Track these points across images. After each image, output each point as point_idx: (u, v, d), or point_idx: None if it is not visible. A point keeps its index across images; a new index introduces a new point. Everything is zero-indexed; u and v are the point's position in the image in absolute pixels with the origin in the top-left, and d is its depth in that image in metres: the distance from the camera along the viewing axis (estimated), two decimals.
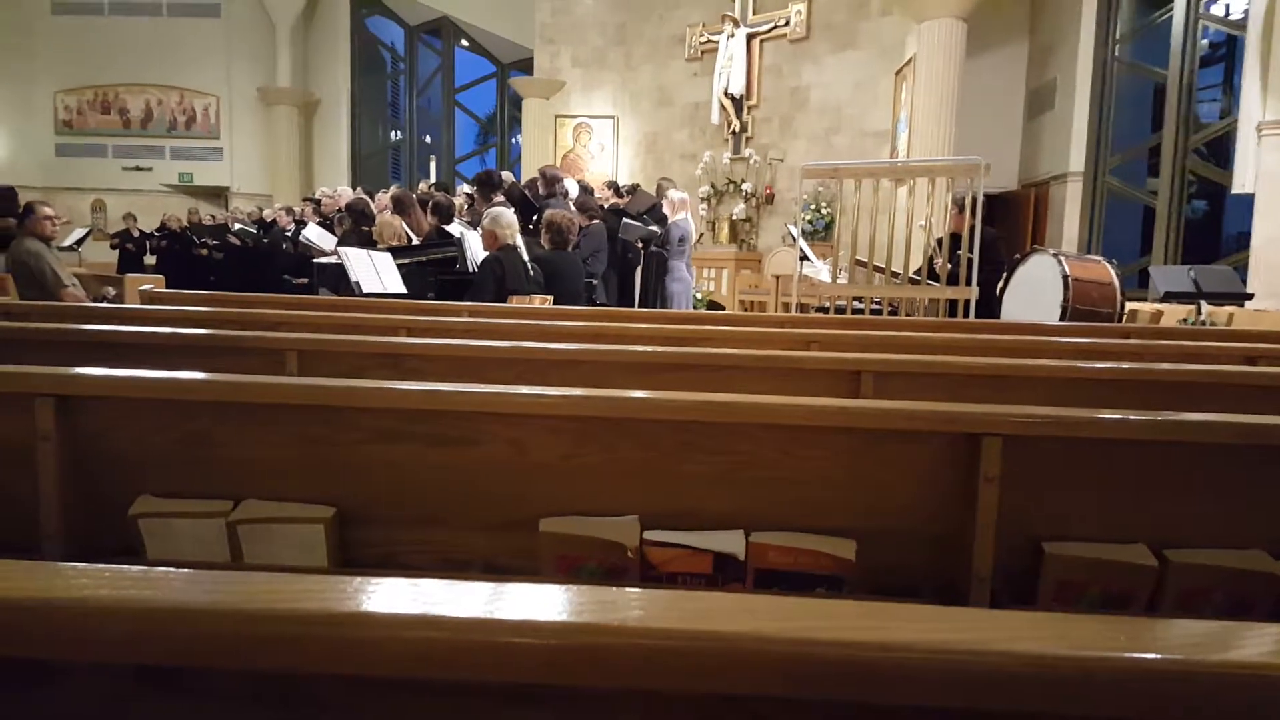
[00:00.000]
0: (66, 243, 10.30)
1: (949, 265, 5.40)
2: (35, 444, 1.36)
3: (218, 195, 15.04)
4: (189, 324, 2.68)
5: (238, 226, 10.59)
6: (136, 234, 12.17)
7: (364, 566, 1.38)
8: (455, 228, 6.45)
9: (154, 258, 11.80)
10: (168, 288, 4.46)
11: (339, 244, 6.27)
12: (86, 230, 11.48)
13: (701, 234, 10.83)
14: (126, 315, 2.99)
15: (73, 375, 1.37)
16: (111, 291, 5.93)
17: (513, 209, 5.56)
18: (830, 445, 1.33)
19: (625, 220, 6.87)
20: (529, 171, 11.26)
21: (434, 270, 5.47)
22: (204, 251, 11.10)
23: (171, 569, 0.68)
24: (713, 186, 11.28)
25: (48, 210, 4.99)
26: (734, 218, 11.08)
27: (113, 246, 12.09)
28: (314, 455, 1.38)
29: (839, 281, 5.90)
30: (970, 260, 5.23)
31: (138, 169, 14.82)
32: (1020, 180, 10.04)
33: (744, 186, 11.00)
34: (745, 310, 9.36)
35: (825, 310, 6.03)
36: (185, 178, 14.93)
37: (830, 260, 6.40)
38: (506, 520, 1.37)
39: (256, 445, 1.38)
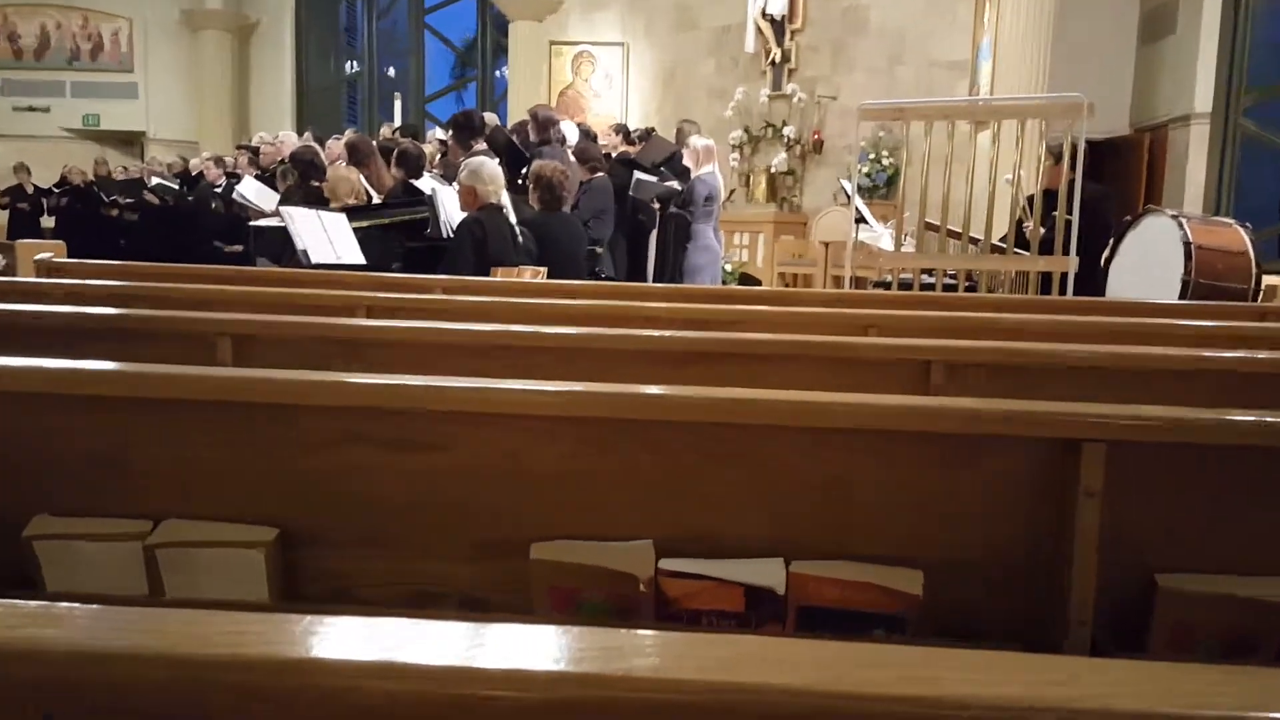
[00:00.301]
0: None
1: (1041, 230, 5.38)
2: None
3: (130, 142, 15.12)
4: (96, 301, 2.71)
5: (156, 181, 10.66)
6: (30, 190, 12.27)
7: (314, 601, 1.39)
8: (426, 183, 6.47)
9: (52, 219, 11.89)
10: (69, 256, 4.49)
11: (281, 203, 6.30)
12: None
13: (733, 191, 10.81)
14: (18, 290, 3.01)
15: None
16: (0, 261, 5.98)
17: (497, 159, 5.57)
18: (892, 454, 1.33)
19: (637, 174, 6.87)
20: (517, 113, 11.25)
21: (399, 235, 5.49)
22: (114, 212, 11.18)
23: (76, 604, 0.69)
24: (746, 131, 11.25)
25: None
26: (773, 170, 11.05)
27: (1, 206, 12.19)
28: (252, 464, 1.39)
29: (904, 250, 5.89)
30: (1068, 223, 5.20)
31: (31, 110, 14.91)
32: (1132, 123, 9.96)
33: (785, 131, 10.96)
34: (786, 286, 9.36)
35: (886, 286, 6.01)
36: (90, 120, 15.01)
37: (893, 223, 6.38)
38: (489, 544, 1.38)
39: (181, 452, 1.39)
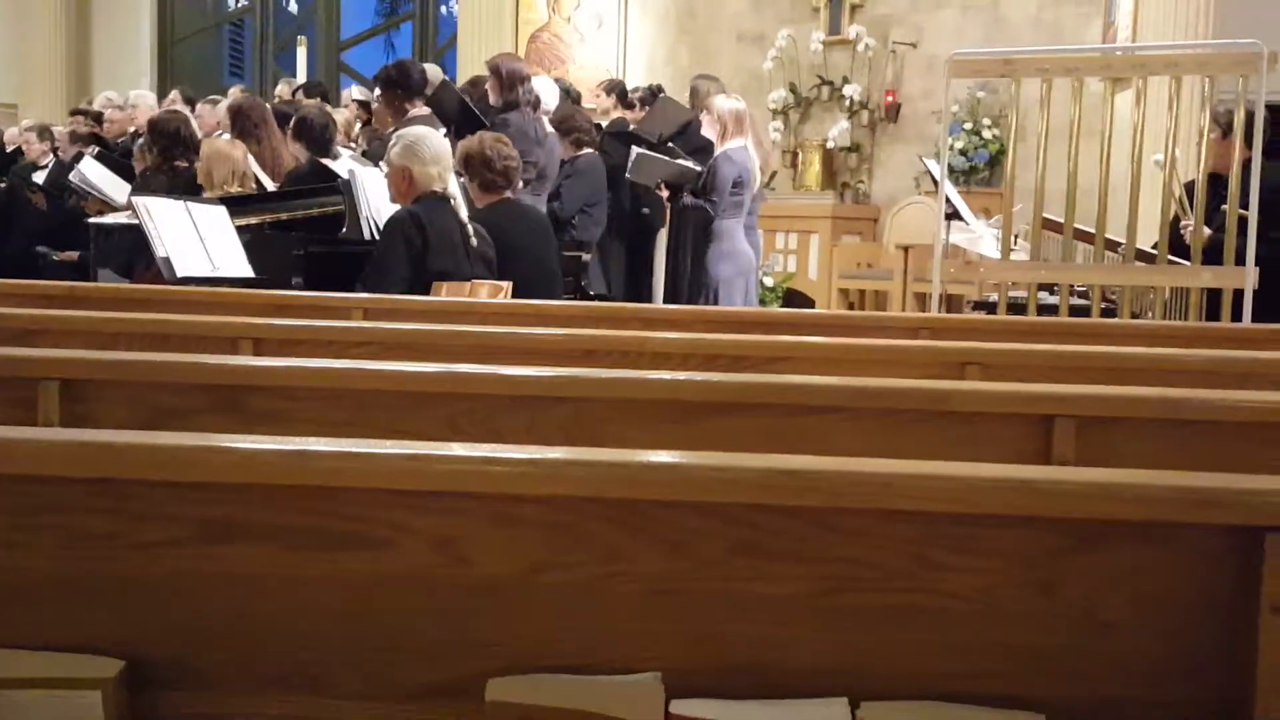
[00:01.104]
0: None
1: (1206, 230, 5.41)
2: None
3: None
4: None
5: None
6: None
7: None
8: (340, 163, 6.52)
9: None
10: None
11: (134, 191, 6.34)
12: None
13: (774, 174, 10.88)
14: None
15: None
16: None
17: (443, 130, 5.62)
18: (1005, 549, 1.33)
19: (639, 151, 6.92)
20: (471, 65, 11.36)
21: (302, 237, 5.51)
22: None
23: None
24: (793, 91, 11.35)
25: None
26: (831, 145, 11.13)
27: None
28: (88, 567, 1.38)
29: (1014, 258, 5.92)
30: (1244, 220, 5.24)
31: None
32: None
33: (848, 91, 11.06)
34: (850, 307, 9.39)
35: (991, 309, 6.04)
36: None
37: (998, 220, 6.42)
38: (429, 682, 1.37)
39: None
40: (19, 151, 10.23)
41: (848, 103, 11.03)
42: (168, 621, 1.39)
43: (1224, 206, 5.34)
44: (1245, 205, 5.24)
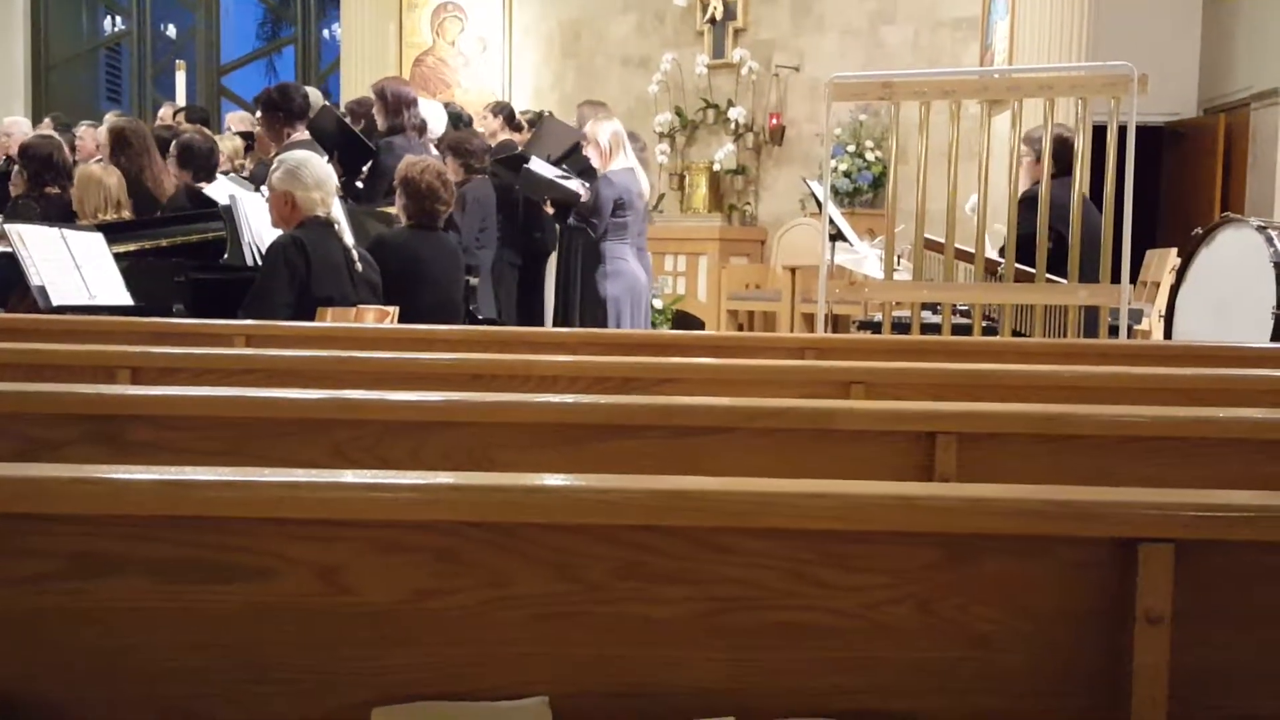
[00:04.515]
0: None
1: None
2: None
3: None
4: None
5: None
6: None
7: None
8: (221, 187, 6.41)
9: None
10: None
11: (6, 218, 6.17)
12: None
13: (661, 196, 10.95)
14: None
15: None
16: None
17: (326, 154, 5.56)
18: (888, 565, 1.35)
19: (529, 168, 6.90)
20: (354, 88, 11.26)
21: (182, 264, 5.41)
22: None
23: None
24: (679, 115, 11.44)
25: None
26: (717, 167, 11.23)
27: None
28: None
29: (897, 278, 6.02)
30: (1116, 241, 5.39)
31: None
32: (1201, 103, 10.42)
33: (733, 114, 11.18)
34: (739, 328, 9.47)
35: (876, 328, 6.14)
36: None
37: (881, 241, 6.52)
38: (314, 714, 1.35)
39: None
40: None
41: (733, 125, 11.13)
42: (38, 659, 1.35)
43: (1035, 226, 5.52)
44: (1057, 222, 5.44)
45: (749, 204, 11.28)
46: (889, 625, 1.35)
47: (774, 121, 11.12)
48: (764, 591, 1.35)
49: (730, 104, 11.17)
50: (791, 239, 8.88)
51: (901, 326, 5.85)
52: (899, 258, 6.31)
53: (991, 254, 6.05)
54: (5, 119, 10.44)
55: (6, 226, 5.22)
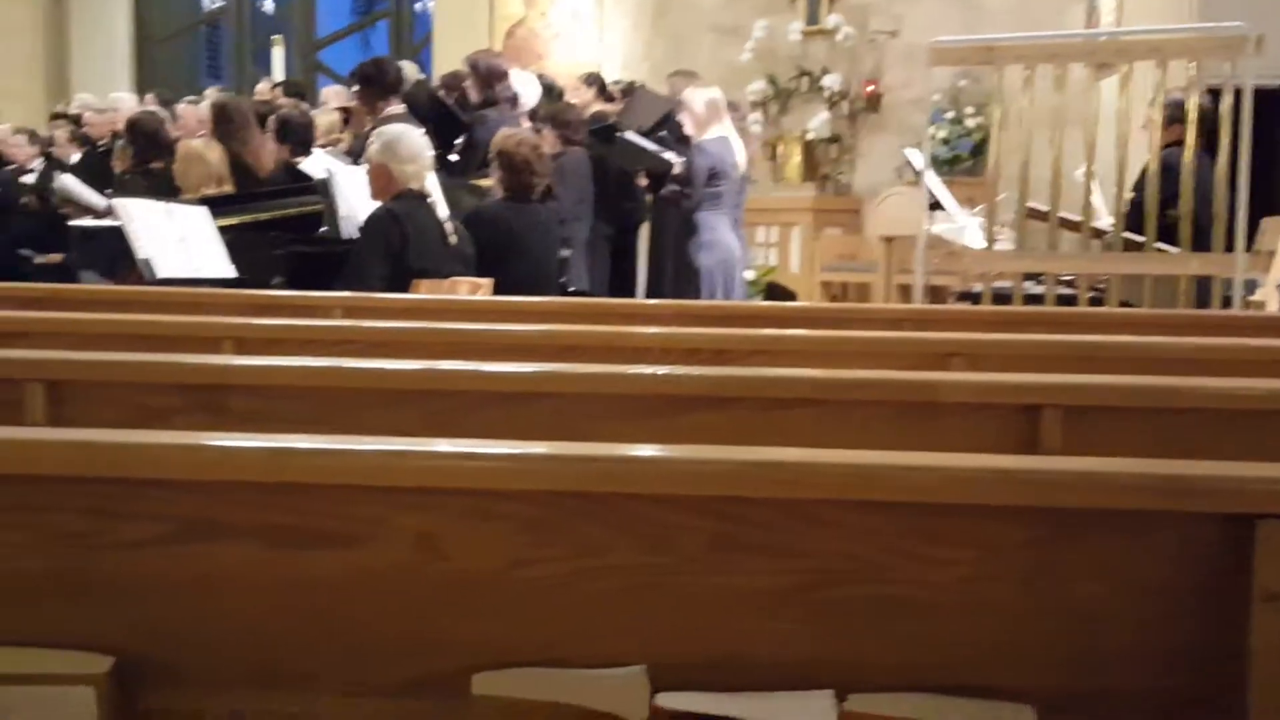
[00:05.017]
0: None
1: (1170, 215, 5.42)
2: None
3: None
4: None
5: None
6: None
7: None
8: (318, 161, 6.50)
9: None
10: None
11: (114, 194, 6.33)
12: None
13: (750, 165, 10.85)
14: None
15: None
16: None
17: (421, 127, 5.62)
18: (988, 540, 1.33)
19: (622, 138, 6.90)
20: (446, 61, 11.34)
21: (282, 237, 5.51)
22: None
23: None
24: (772, 83, 11.35)
25: None
26: (811, 136, 11.13)
27: None
28: (76, 566, 1.38)
29: (999, 248, 5.93)
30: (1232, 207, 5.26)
31: None
32: None
33: (827, 82, 11.06)
34: (832, 300, 9.40)
35: (976, 299, 6.05)
36: None
37: (983, 210, 6.44)
38: (413, 676, 1.38)
39: None
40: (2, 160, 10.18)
41: (827, 94, 11.02)
42: (151, 619, 1.39)
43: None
44: (1197, 190, 5.29)
45: (843, 173, 11.17)
46: (989, 601, 1.34)
47: (870, 88, 10.99)
48: (859, 565, 1.34)
49: (825, 71, 11.05)
50: (887, 209, 8.75)
51: (1002, 297, 5.77)
52: (1000, 227, 6.22)
53: (1100, 223, 5.93)
54: (110, 95, 10.70)
55: (115, 201, 5.36)
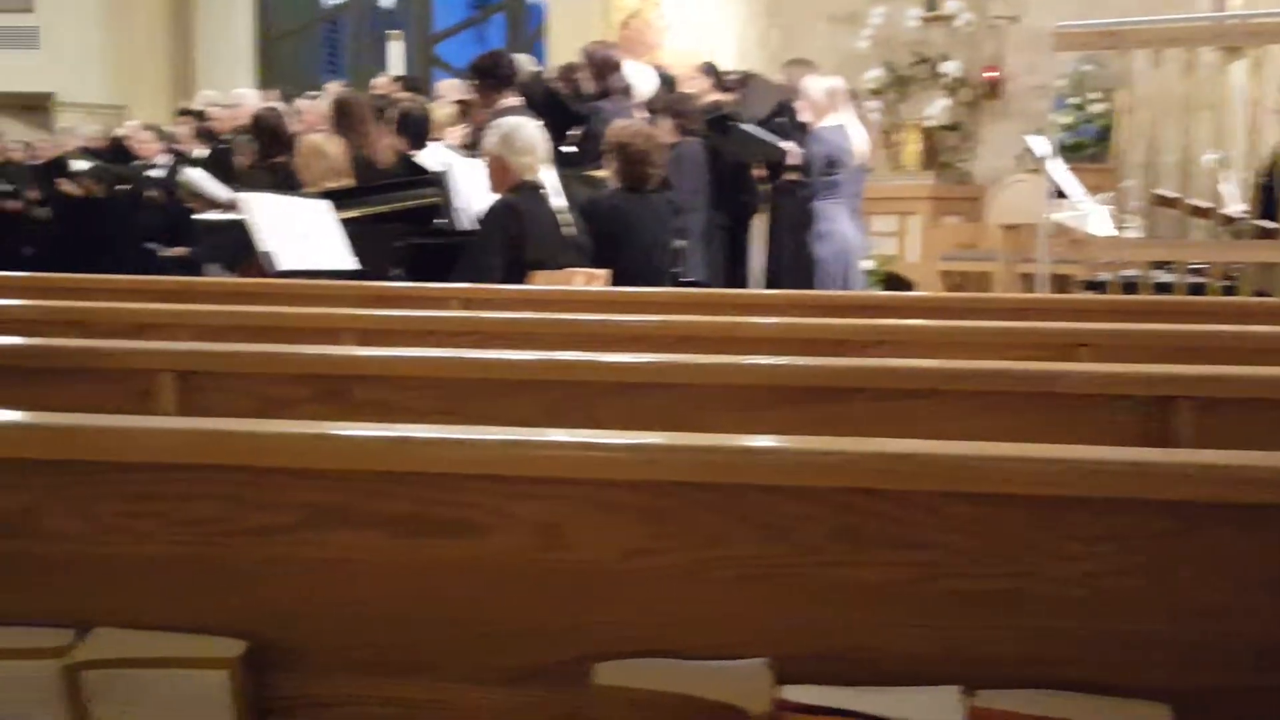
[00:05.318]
0: None
1: None
2: None
3: (34, 109, 15.65)
4: None
5: (81, 165, 10.95)
6: None
7: None
8: (435, 154, 6.59)
9: None
10: None
11: (237, 188, 6.47)
12: None
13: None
14: None
15: None
16: None
17: (537, 119, 5.66)
18: (1115, 533, 1.31)
19: (738, 128, 6.88)
20: (562, 54, 11.40)
21: (401, 229, 5.59)
22: (15, 205, 11.58)
23: None
24: (890, 70, 11.23)
25: None
26: (929, 124, 10.99)
27: None
28: (208, 552, 1.42)
29: (1126, 234, 5.80)
30: None
31: None
32: None
33: (946, 68, 10.92)
34: (951, 289, 9.27)
35: (1102, 288, 5.92)
36: None
37: (1108, 197, 6.30)
38: (535, 665, 1.39)
39: (114, 535, 1.44)
40: (129, 153, 10.47)
41: (947, 81, 10.88)
42: (280, 605, 1.42)
43: None
44: None
45: (963, 161, 11.02)
46: (1120, 596, 1.31)
47: (991, 75, 10.82)
48: (985, 559, 1.33)
49: (943, 57, 10.91)
50: (1008, 196, 8.59)
51: (1129, 287, 5.64)
52: (1127, 214, 6.08)
53: (1231, 209, 5.76)
54: (233, 91, 10.95)
55: (238, 195, 5.49)
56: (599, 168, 6.01)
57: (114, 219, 9.98)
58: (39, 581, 1.45)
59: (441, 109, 8.31)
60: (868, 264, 8.35)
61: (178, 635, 1.41)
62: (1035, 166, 7.25)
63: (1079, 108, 10.06)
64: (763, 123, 7.14)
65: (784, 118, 7.24)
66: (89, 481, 1.43)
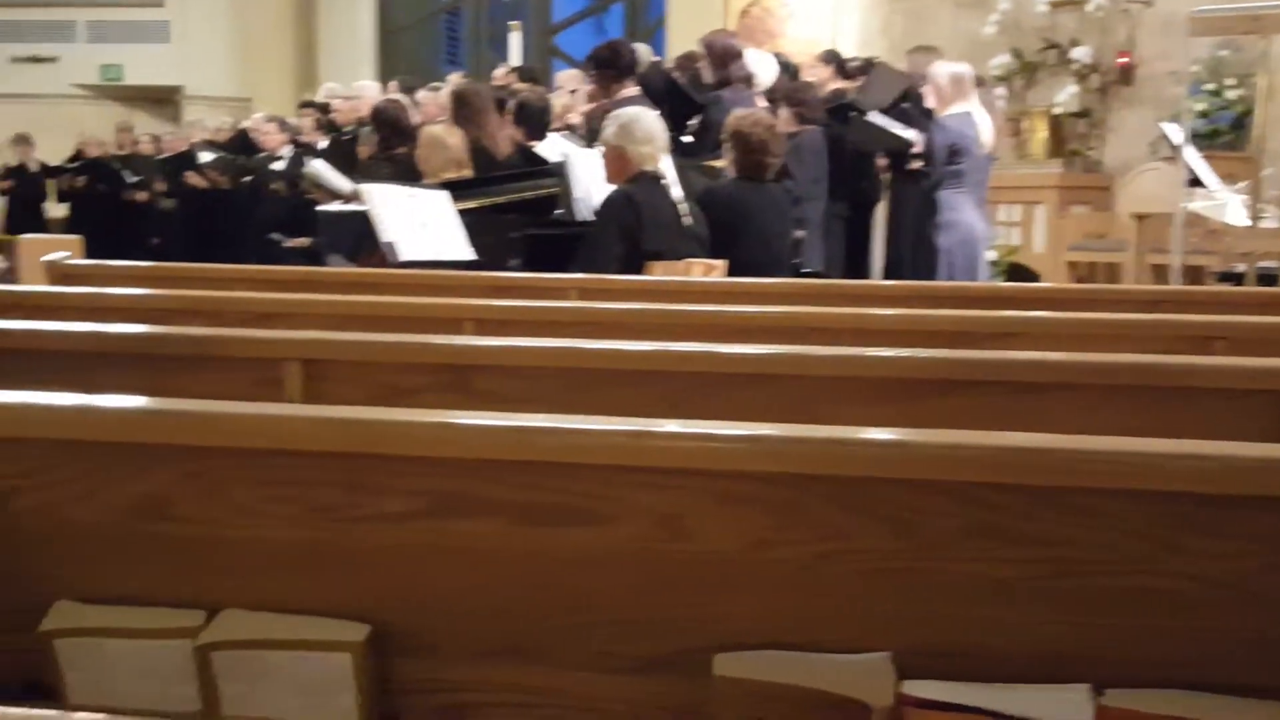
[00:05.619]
0: None
1: None
2: None
3: (162, 101, 16.10)
4: (125, 317, 2.89)
5: (206, 156, 11.23)
6: (36, 168, 13.21)
7: None
8: (553, 145, 6.63)
9: (64, 206, 12.81)
10: (88, 256, 4.82)
11: (359, 179, 6.57)
12: None
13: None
14: (23, 303, 3.25)
15: None
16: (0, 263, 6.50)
17: (656, 109, 5.66)
18: (1263, 531, 1.28)
19: (860, 117, 6.81)
20: (682, 43, 11.41)
21: (520, 220, 5.63)
22: (143, 196, 11.93)
23: (100, 715, 0.74)
24: (1017, 56, 11.03)
25: None
26: (1058, 111, 10.78)
27: (1, 192, 13.18)
28: (334, 537, 1.46)
29: (1263, 225, 5.63)
30: None
31: (34, 60, 16.04)
32: None
33: (1076, 54, 10.69)
34: (1078, 280, 9.09)
35: (1238, 280, 5.76)
36: (111, 74, 16.06)
37: (1245, 186, 6.12)
38: (655, 654, 1.41)
39: (242, 520, 1.48)
40: (253, 144, 10.71)
41: (1077, 67, 10.66)
42: (403, 591, 1.45)
43: None
44: None
45: (1092, 149, 10.78)
46: (1262, 596, 1.28)
47: (1123, 60, 10.57)
48: (1120, 556, 1.31)
49: (1074, 43, 10.69)
50: (1140, 185, 8.39)
51: (1267, 278, 5.47)
52: (1265, 204, 5.90)
53: None
54: (354, 83, 11.15)
55: (361, 187, 5.58)
56: (717, 157, 6.00)
57: (238, 210, 10.23)
58: (171, 564, 1.50)
59: (560, 99, 8.37)
60: (991, 255, 8.23)
61: (303, 618, 1.45)
62: (1169, 154, 7.08)
63: (1215, 94, 9.78)
64: (887, 110, 7.06)
65: (909, 104, 7.15)
66: (222, 467, 1.47)
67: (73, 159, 13.04)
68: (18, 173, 13.17)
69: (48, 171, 13.13)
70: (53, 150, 13.46)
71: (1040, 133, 10.82)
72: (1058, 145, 10.78)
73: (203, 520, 1.48)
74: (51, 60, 15.86)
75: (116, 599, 1.49)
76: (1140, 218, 7.97)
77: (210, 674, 1.43)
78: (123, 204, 12.03)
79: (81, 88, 15.93)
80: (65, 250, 4.38)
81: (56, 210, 12.89)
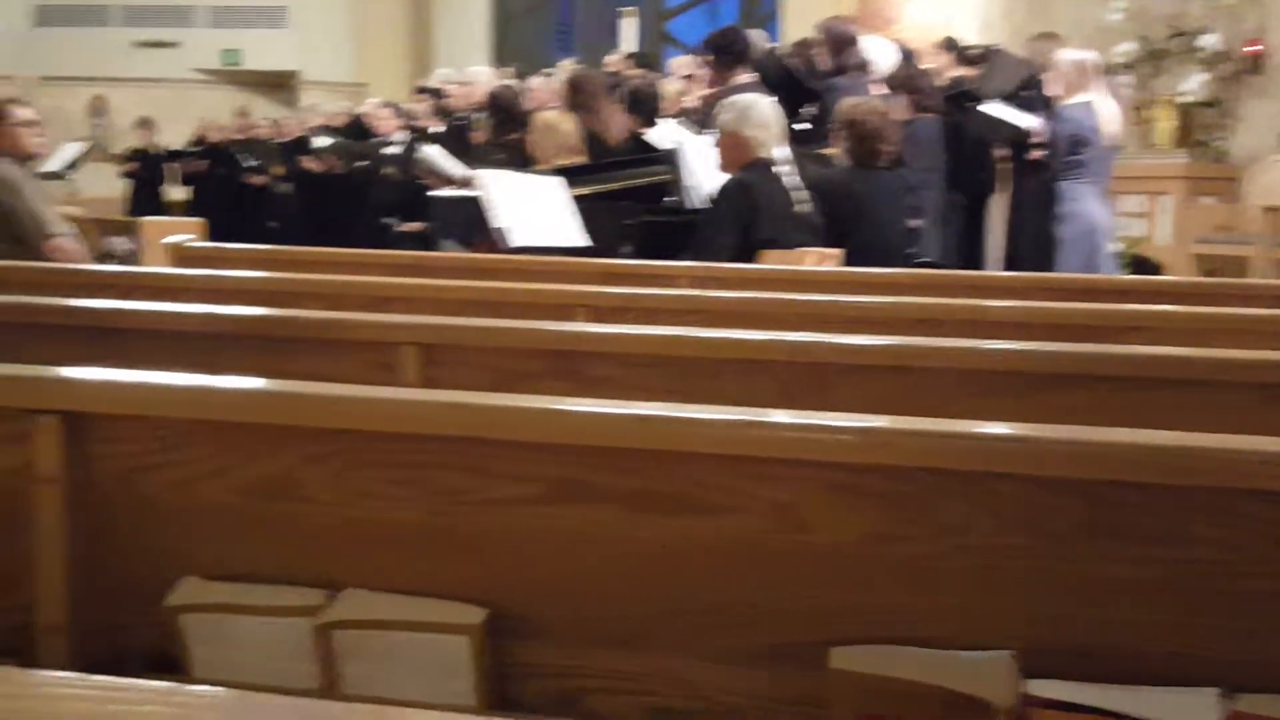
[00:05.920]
0: (51, 166, 11.49)
1: None
2: (31, 489, 1.56)
3: (279, 86, 16.42)
4: (247, 299, 2.97)
5: (322, 141, 11.43)
6: (158, 152, 13.55)
7: (530, 711, 1.46)
8: (665, 131, 6.63)
9: (186, 189, 13.12)
10: (211, 239, 4.94)
11: (472, 164, 6.64)
12: (82, 146, 12.82)
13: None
14: (146, 284, 3.35)
15: (91, 382, 1.57)
16: (124, 244, 6.69)
17: (771, 95, 5.64)
18: None
19: (979, 109, 6.72)
20: (796, 30, 11.34)
21: (632, 207, 5.65)
22: (261, 180, 12.18)
23: (223, 690, 0.77)
24: (1144, 44, 10.79)
25: (24, 113, 5.18)
26: (1184, 100, 10.53)
27: (124, 173, 13.54)
28: (452, 520, 1.49)
29: None
30: None
31: (157, 45, 16.45)
32: None
33: (1204, 42, 10.42)
34: (1205, 274, 8.87)
35: None
36: (231, 59, 16.43)
37: None
38: (769, 645, 1.41)
39: (364, 501, 1.51)
40: (370, 130, 10.86)
41: (1204, 55, 10.39)
42: (520, 576, 1.47)
43: None
44: None
45: (1220, 139, 10.50)
46: None
47: (1253, 48, 10.28)
48: (1254, 558, 1.28)
49: (1202, 30, 10.42)
50: (1272, 177, 8.19)
51: None
52: None
53: None
54: (468, 69, 11.25)
55: (476, 172, 5.64)
56: (831, 145, 5.96)
57: (352, 194, 10.38)
58: (294, 543, 1.54)
59: (672, 86, 8.36)
60: (1115, 246, 8.06)
61: (422, 600, 1.48)
62: None
63: None
64: (1009, 97, 6.95)
65: (1031, 91, 7.03)
66: (345, 450, 1.51)
67: (194, 143, 13.36)
68: (141, 156, 13.52)
69: (170, 155, 13.44)
70: (174, 134, 13.81)
71: (1166, 122, 10.56)
72: (1184, 135, 10.52)
73: (326, 501, 1.52)
74: (173, 45, 16.29)
75: (241, 576, 1.53)
76: (1271, 210, 7.77)
77: (331, 653, 1.46)
78: (241, 187, 12.27)
79: (202, 72, 16.33)
80: (188, 233, 4.49)
81: (177, 193, 13.20)
